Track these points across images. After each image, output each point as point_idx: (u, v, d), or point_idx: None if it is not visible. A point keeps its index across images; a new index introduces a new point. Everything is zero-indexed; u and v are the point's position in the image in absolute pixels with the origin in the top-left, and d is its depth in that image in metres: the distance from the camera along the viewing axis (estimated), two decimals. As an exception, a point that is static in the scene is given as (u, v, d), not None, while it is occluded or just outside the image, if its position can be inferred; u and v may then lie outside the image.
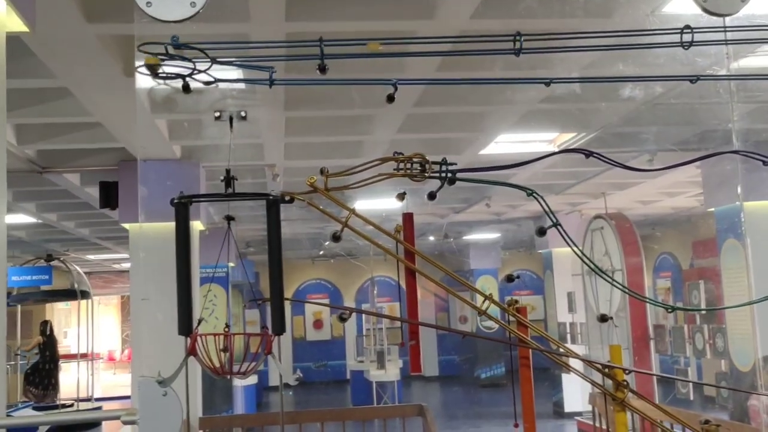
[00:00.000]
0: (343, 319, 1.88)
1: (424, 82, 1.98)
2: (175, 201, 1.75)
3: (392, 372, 14.28)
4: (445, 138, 7.53)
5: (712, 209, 7.93)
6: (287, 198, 1.89)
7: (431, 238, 15.82)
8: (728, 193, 7.41)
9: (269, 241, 1.74)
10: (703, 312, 9.64)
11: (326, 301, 20.54)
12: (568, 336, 12.22)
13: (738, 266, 7.34)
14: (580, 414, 11.37)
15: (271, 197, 1.76)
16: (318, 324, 20.18)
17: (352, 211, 1.89)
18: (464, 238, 15.95)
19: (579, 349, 11.58)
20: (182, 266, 1.68)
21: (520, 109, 6.01)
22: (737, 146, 2.22)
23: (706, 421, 2.03)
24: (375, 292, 16.80)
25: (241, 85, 3.61)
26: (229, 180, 1.81)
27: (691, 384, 8.63)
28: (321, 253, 18.23)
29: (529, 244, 15.24)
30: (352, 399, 15.15)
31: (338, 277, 20.44)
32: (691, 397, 8.84)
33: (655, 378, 9.13)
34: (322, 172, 1.96)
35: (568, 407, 12.77)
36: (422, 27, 4.33)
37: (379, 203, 7.41)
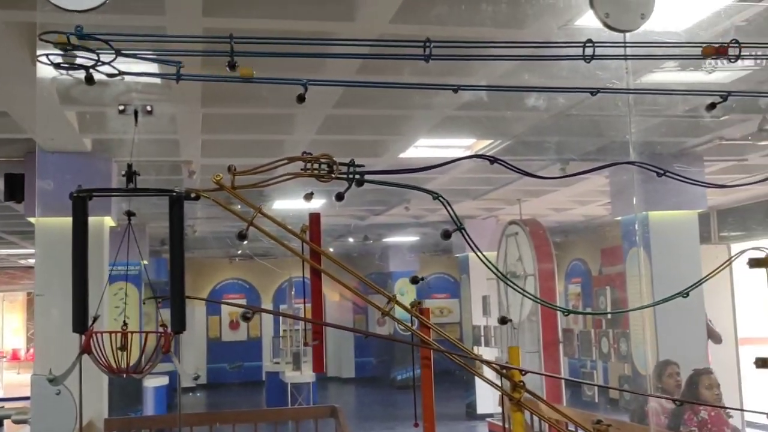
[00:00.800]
0: (246, 318, 1.87)
1: (334, 83, 1.99)
2: (74, 195, 1.71)
3: (308, 373, 14.23)
4: (366, 140, 7.57)
5: (619, 218, 8.24)
6: (193, 195, 1.87)
7: (351, 239, 15.85)
8: (633, 203, 7.72)
9: (171, 238, 1.72)
10: (595, 316, 10.00)
11: (243, 301, 20.27)
12: (482, 339, 12.45)
13: (641, 273, 7.65)
14: (491, 415, 11.60)
15: (174, 194, 1.74)
16: (234, 324, 19.90)
17: (259, 210, 1.88)
18: (384, 240, 16.04)
19: (492, 351, 11.82)
20: (78, 262, 1.63)
21: (437, 114, 6.10)
22: (633, 157, 2.32)
23: (598, 421, 2.11)
24: (293, 292, 16.70)
25: (151, 79, 3.54)
26: (130, 175, 1.77)
27: (596, 386, 8.93)
28: (239, 252, 18.00)
29: (447, 248, 15.46)
30: (267, 401, 15.01)
31: (256, 277, 20.21)
32: (596, 400, 9.15)
33: (563, 380, 9.41)
34: (229, 169, 1.94)
35: (480, 409, 13.00)
36: (343, 28, 4.34)
37: (300, 203, 7.39)
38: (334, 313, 20.38)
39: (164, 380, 12.79)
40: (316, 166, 1.95)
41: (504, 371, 2.02)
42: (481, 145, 7.68)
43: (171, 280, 1.70)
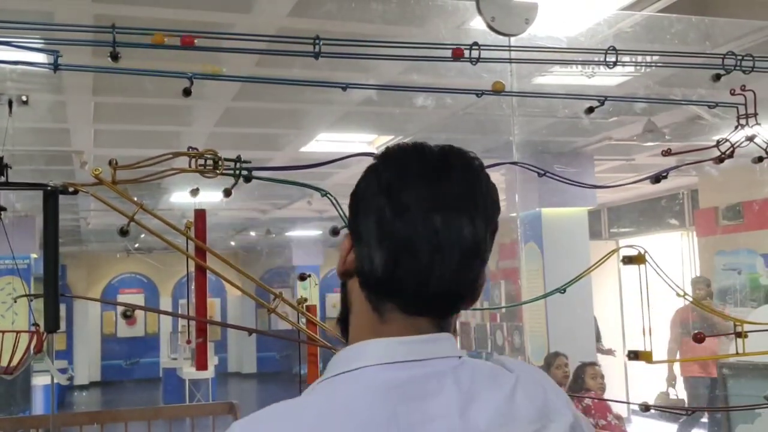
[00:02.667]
0: (126, 316, 1.82)
1: (222, 78, 1.96)
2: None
3: (207, 369, 13.98)
4: (266, 133, 7.50)
5: (514, 214, 8.49)
6: (71, 189, 1.81)
7: (252, 233, 15.66)
8: (528, 199, 7.98)
9: (45, 234, 1.66)
10: (491, 310, 10.28)
11: (141, 296, 19.71)
12: (383, 333, 12.57)
13: (535, 268, 7.92)
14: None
15: (49, 188, 1.68)
16: (130, 320, 19.32)
17: (140, 206, 1.84)
18: (287, 234, 15.93)
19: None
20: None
21: (337, 110, 6.11)
22: (518, 157, 2.39)
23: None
24: (192, 287, 16.32)
25: (35, 68, 3.40)
26: (1, 168, 1.70)
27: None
28: (137, 246, 17.48)
29: (349, 242, 15.49)
30: (164, 398, 14.65)
31: (154, 272, 19.66)
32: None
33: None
34: (110, 163, 1.89)
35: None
36: (240, 20, 4.28)
37: (204, 197, 7.24)
38: (236, 308, 20.09)
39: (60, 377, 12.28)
40: (201, 161, 1.93)
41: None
42: (382, 140, 7.75)
43: (45, 278, 1.64)
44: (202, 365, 1.90)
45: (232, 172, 1.92)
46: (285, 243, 17.83)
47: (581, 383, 6.34)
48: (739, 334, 2.37)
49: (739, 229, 9.11)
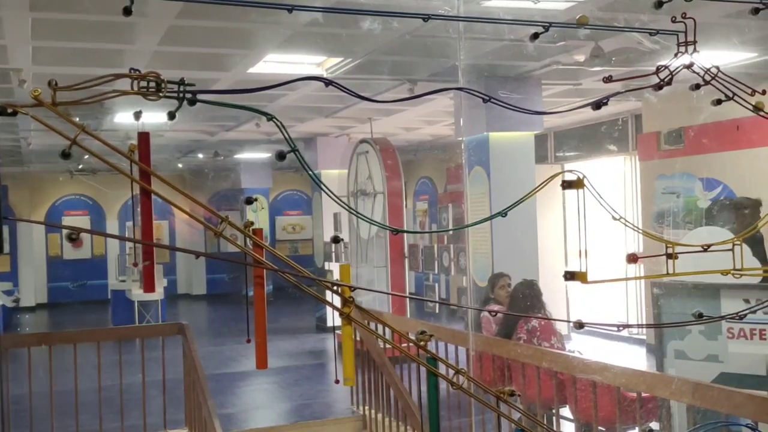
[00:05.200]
0: (72, 239, 1.83)
1: None
2: None
3: (156, 291, 13.98)
4: (213, 53, 7.32)
5: (461, 139, 8.57)
6: (9, 111, 1.77)
7: (200, 155, 15.46)
8: (476, 124, 8.03)
9: (-16, 156, 1.63)
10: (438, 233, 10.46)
11: (86, 218, 19.42)
12: (333, 255, 12.68)
13: (481, 192, 8.05)
14: (340, 327, 11.96)
15: (-15, 110, 1.64)
16: (76, 242, 19.05)
17: (81, 128, 1.81)
18: (235, 156, 15.76)
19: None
20: None
21: (285, 30, 6.00)
22: (466, 82, 2.41)
23: (422, 332, 2.26)
24: (139, 209, 16.11)
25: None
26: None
27: (437, 298, 9.42)
28: (80, 167, 17.09)
29: (300, 165, 15.42)
30: (113, 319, 14.65)
31: (100, 194, 19.32)
32: (437, 311, 9.66)
33: (407, 292, 9.86)
34: (49, 84, 1.85)
35: (330, 321, 13.38)
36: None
37: (150, 118, 7.08)
38: (185, 230, 19.97)
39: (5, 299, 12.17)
40: (144, 83, 1.90)
41: (335, 288, 2.11)
42: (331, 62, 7.66)
43: (-15, 201, 1.62)
44: (149, 287, 1.91)
45: (175, 94, 1.89)
46: (233, 166, 17.66)
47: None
48: (670, 255, 2.48)
49: (680, 153, 9.34)
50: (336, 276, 2.17)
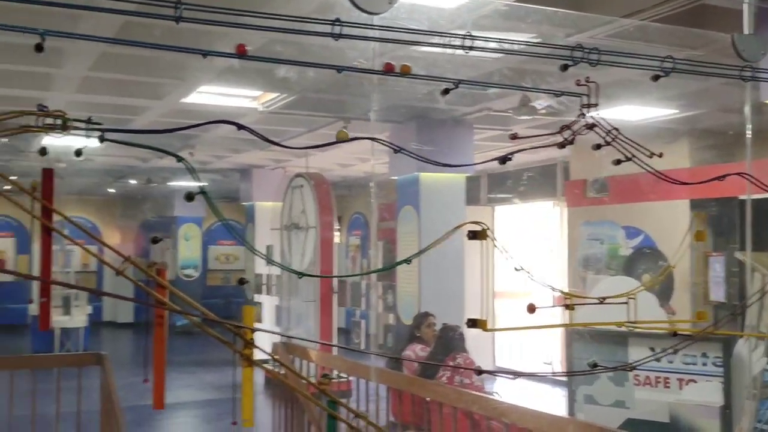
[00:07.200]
0: (-34, 274, 1.81)
1: (70, 36, 1.88)
2: None
3: (79, 318, 13.61)
4: (145, 81, 7.27)
5: (395, 177, 8.67)
6: None
7: (132, 181, 15.22)
8: (407, 164, 8.15)
9: None
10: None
11: (11, 240, 18.85)
12: (264, 287, 12.57)
13: (411, 230, 8.14)
14: (266, 362, 11.81)
15: None
16: (1, 266, 18.42)
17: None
18: (169, 184, 15.56)
19: (273, 300, 12.00)
20: None
21: (219, 64, 6.01)
22: (377, 129, 2.48)
23: (324, 375, 2.29)
24: (66, 232, 15.71)
25: None
26: None
27: (363, 334, 9.44)
28: (8, 188, 16.61)
29: (234, 196, 15.33)
30: (33, 346, 14.15)
31: (25, 215, 18.73)
32: (362, 346, 9.66)
33: (335, 329, 9.84)
34: (-47, 117, 1.85)
35: (258, 355, 13.19)
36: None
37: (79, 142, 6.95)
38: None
39: None
40: (50, 120, 1.90)
41: (238, 330, 2.13)
42: (268, 97, 7.70)
43: None
44: (45, 324, 1.90)
45: (83, 132, 1.91)
46: (167, 193, 17.42)
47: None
48: (567, 306, 2.58)
49: (605, 201, 9.64)
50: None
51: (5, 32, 5.20)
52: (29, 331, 14.88)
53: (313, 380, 2.25)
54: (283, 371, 5.70)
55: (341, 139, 2.01)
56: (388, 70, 2.06)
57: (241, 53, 2.12)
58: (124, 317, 19.50)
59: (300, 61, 2.25)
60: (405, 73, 2.22)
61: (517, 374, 2.34)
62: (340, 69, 2.22)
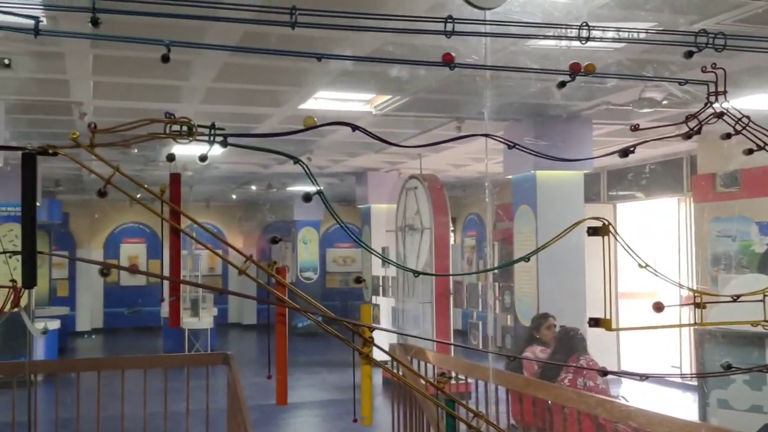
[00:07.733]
0: (104, 274, 1.92)
1: (193, 45, 1.97)
2: None
3: (206, 320, 14.22)
4: (265, 90, 7.52)
5: (510, 176, 8.54)
6: (51, 152, 1.88)
7: (253, 187, 15.75)
8: (523, 162, 8.01)
9: (23, 195, 1.74)
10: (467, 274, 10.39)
11: (143, 246, 19.93)
12: (381, 289, 12.69)
13: (528, 230, 7.99)
14: (386, 362, 11.91)
15: (26, 151, 1.75)
16: (134, 268, 19.49)
17: (116, 169, 1.91)
18: (288, 189, 16.02)
19: (389, 301, 12.10)
20: None
21: (334, 68, 6.12)
22: (487, 128, 2.45)
23: (442, 374, 2.28)
24: (194, 235, 16.45)
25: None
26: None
27: (480, 336, 9.35)
28: (139, 195, 17.58)
29: (350, 199, 15.58)
30: (164, 346, 14.92)
31: (157, 221, 19.76)
32: (480, 347, 9.56)
33: (451, 329, 9.81)
34: (89, 127, 1.96)
35: (377, 356, 13.33)
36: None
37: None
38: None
39: (56, 324, 12.52)
40: (177, 127, 1.99)
41: (356, 328, 2.15)
42: (381, 99, 7.78)
43: (22, 238, 1.73)
44: (175, 322, 1.99)
45: (206, 138, 1.98)
46: (286, 198, 17.91)
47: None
48: (698, 305, 2.45)
49: (736, 196, 9.14)
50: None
51: (136, 47, 5.51)
52: (162, 333, 15.68)
53: (431, 380, 2.24)
54: (400, 371, 5.72)
55: (308, 126, 1.97)
56: (574, 69, 2.01)
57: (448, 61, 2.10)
58: (248, 319, 20.24)
59: (411, 60, 2.25)
60: (588, 72, 2.15)
61: (644, 376, 2.24)
62: (452, 66, 2.21)
